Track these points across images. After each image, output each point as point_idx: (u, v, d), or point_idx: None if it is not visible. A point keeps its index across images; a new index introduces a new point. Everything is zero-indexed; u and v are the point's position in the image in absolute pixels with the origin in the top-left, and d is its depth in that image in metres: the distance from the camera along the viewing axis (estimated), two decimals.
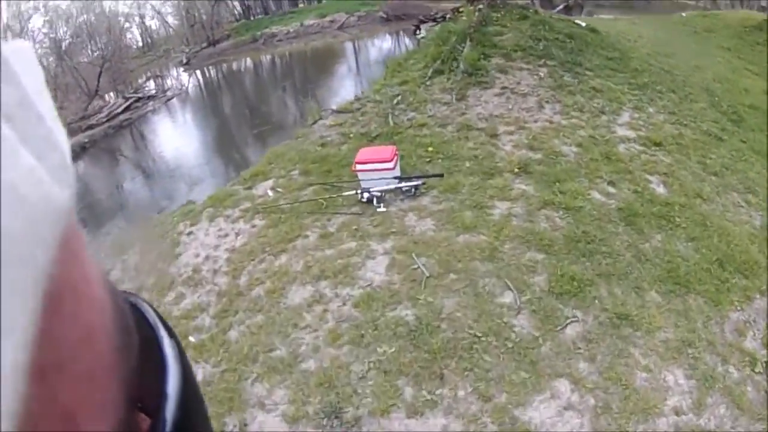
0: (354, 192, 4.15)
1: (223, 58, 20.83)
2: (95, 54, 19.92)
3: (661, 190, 4.28)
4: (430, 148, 4.84)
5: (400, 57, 7.63)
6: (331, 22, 22.42)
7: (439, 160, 4.69)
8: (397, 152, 4.30)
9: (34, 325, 0.12)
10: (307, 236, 4.01)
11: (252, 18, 31.34)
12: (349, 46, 18.05)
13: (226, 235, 4.34)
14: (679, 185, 4.33)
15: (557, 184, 4.20)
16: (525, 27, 7.46)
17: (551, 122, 5.31)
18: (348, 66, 15.88)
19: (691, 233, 3.80)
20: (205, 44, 25.05)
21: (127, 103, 15.08)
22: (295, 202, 4.43)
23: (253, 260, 3.87)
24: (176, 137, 11.94)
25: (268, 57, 19.50)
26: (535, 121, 5.34)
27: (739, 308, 3.25)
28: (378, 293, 3.32)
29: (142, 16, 29.78)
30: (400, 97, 5.77)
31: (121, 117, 14.19)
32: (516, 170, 4.43)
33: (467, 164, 4.58)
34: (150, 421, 0.19)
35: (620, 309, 3.12)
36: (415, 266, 3.48)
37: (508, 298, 3.23)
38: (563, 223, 3.79)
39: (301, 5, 29.98)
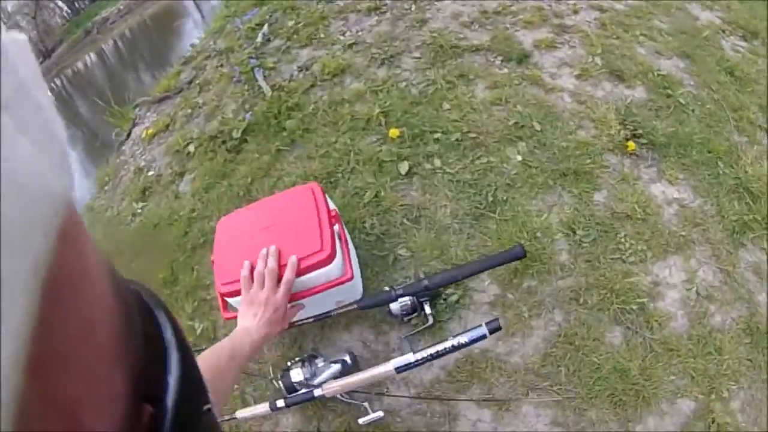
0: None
1: (64, 65, 18.27)
2: None
3: None
4: (395, 131, 1.78)
5: None
6: None
7: (443, 169, 1.65)
8: (335, 214, 1.13)
9: (31, 315, 0.11)
10: None
11: (81, 12, 27.09)
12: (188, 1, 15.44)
13: None
14: None
15: (719, 163, 1.50)
16: None
17: (602, 8, 2.47)
18: (193, 19, 13.68)
19: None
20: (41, 59, 21.44)
21: None
22: None
23: None
24: None
25: (110, 43, 17.37)
26: (575, 12, 2.44)
27: None
28: None
29: None
30: (267, 28, 2.54)
31: None
32: (626, 144, 1.60)
33: (518, 156, 1.61)
34: (151, 410, 0.18)
35: None
36: None
37: None
38: None
39: None
